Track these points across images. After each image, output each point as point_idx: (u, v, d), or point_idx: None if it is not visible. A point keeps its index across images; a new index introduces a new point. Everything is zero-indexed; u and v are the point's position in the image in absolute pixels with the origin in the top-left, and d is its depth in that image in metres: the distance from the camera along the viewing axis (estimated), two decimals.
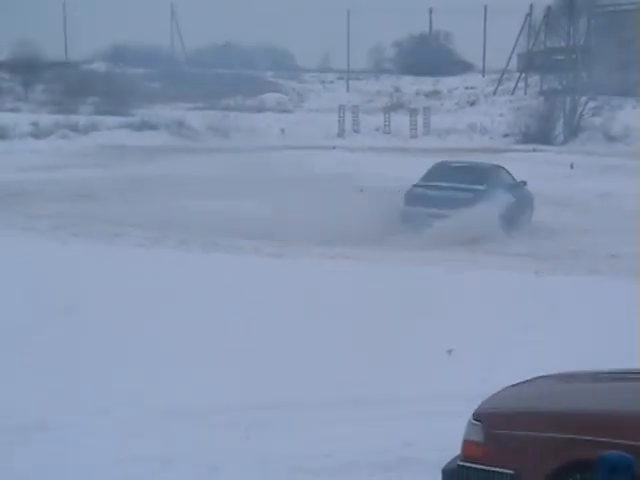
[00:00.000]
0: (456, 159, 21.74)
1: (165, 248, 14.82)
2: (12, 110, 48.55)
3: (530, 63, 54.51)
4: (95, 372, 8.30)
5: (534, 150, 36.96)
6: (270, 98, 55.62)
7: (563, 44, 45.57)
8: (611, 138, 41.87)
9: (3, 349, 8.82)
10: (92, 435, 6.97)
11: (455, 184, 17.10)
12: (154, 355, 8.73)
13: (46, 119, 42.91)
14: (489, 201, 16.81)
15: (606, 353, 7.87)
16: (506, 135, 44.21)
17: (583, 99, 42.82)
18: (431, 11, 66.86)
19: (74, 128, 42.27)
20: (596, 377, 5.75)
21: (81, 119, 43.79)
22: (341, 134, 45.05)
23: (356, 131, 45.97)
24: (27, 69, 56.16)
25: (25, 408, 7.41)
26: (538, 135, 42.11)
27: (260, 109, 51.33)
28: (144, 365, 8.45)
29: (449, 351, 8.93)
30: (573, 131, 42.99)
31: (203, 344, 9.03)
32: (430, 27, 69.38)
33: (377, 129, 46.10)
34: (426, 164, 19.24)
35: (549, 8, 49.60)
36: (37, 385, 7.97)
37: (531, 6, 55.54)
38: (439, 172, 18.31)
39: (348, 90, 61.09)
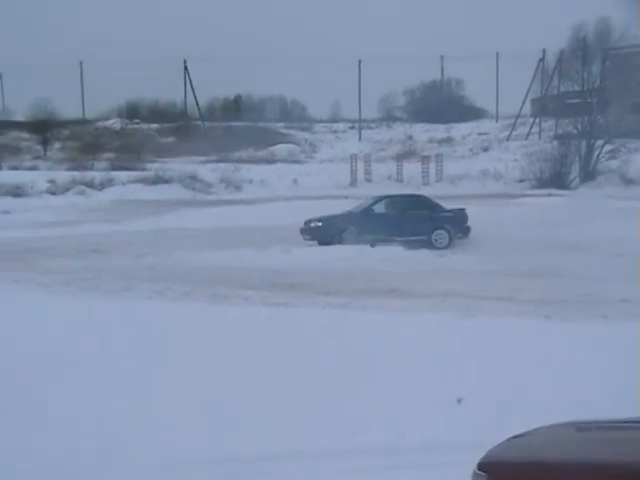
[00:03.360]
0: None
1: (170, 301, 14.53)
2: (30, 168, 49.23)
3: (544, 108, 54.60)
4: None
5: (549, 195, 36.65)
6: (282, 149, 55.91)
7: (577, 87, 45.49)
8: (628, 181, 41.56)
9: None
10: None
11: None
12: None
13: (63, 176, 43.38)
14: None
15: None
16: (521, 180, 44.02)
17: (599, 142, 42.63)
18: (442, 58, 67.25)
19: (90, 184, 42.66)
20: (604, 426, 5.39)
21: (97, 175, 44.18)
22: (353, 183, 45.04)
23: (368, 180, 45.98)
24: (45, 128, 57.01)
25: None
26: (553, 179, 41.91)
27: (272, 160, 51.55)
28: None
29: (459, 400, 8.53)
30: (589, 174, 42.73)
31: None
32: (442, 74, 69.83)
33: (389, 177, 46.08)
34: None
35: (562, 52, 49.73)
36: None
37: (544, 51, 55.89)
38: None
39: (360, 139, 61.28)
